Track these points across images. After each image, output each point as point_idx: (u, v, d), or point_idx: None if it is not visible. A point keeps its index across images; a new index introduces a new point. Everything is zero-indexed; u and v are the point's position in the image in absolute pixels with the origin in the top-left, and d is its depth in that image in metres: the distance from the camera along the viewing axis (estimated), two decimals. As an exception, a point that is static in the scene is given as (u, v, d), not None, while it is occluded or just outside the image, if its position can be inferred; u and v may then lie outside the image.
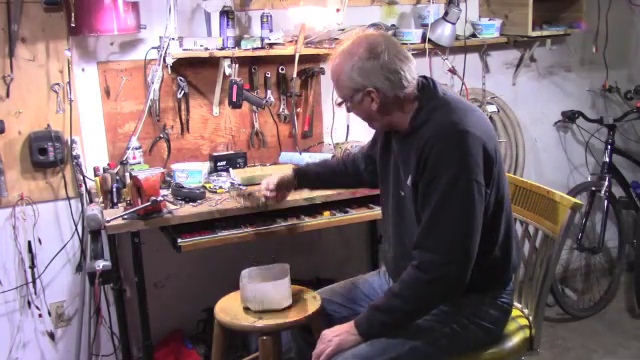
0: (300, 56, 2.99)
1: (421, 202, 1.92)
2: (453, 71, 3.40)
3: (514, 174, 3.55)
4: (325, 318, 2.16)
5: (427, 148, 1.87)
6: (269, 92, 3.15)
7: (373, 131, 2.29)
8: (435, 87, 1.99)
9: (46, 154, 2.77)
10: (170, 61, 2.86)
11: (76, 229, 2.92)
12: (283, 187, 2.39)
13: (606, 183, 3.60)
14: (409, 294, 1.90)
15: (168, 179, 2.87)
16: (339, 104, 2.04)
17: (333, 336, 1.94)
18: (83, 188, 2.87)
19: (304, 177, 2.42)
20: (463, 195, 1.84)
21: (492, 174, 1.90)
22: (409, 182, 1.96)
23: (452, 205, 1.85)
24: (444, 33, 3.23)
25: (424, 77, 2.01)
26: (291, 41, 3.04)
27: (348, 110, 2.04)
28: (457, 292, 1.90)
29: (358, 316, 1.98)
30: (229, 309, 2.13)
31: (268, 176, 2.43)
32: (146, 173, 2.60)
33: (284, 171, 2.46)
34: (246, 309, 2.11)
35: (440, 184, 1.85)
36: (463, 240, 1.85)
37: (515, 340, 2.12)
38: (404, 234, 2.03)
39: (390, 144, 2.09)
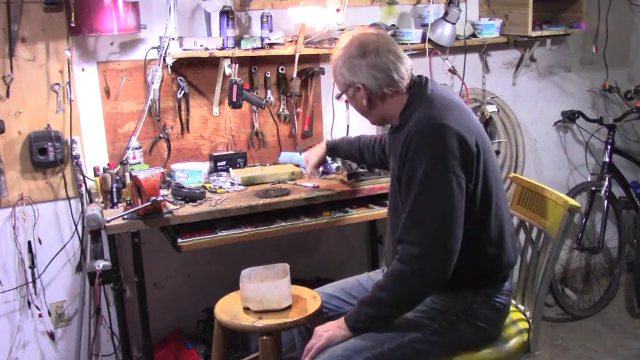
0: (300, 56, 2.99)
1: (405, 196, 1.95)
2: (453, 71, 3.40)
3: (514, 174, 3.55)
4: (327, 313, 2.18)
5: (407, 143, 1.92)
6: (269, 92, 3.15)
7: (374, 129, 2.30)
8: (425, 85, 2.02)
9: (46, 154, 2.77)
10: (170, 61, 2.87)
11: (76, 229, 2.92)
12: (320, 164, 2.74)
13: (606, 183, 3.60)
14: (393, 287, 1.93)
15: (168, 179, 2.87)
16: (337, 97, 2.13)
17: (323, 331, 1.99)
18: (83, 188, 2.87)
19: (334, 152, 2.70)
20: (440, 187, 1.85)
21: (474, 169, 1.90)
22: (397, 177, 2.00)
23: (430, 198, 1.87)
24: (444, 33, 3.23)
25: (419, 76, 2.05)
26: (291, 41, 3.04)
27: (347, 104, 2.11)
28: (439, 284, 1.91)
29: (348, 311, 2.02)
30: (229, 309, 2.13)
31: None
32: (146, 173, 2.60)
33: (320, 146, 2.71)
34: (246, 309, 2.11)
35: (417, 177, 1.87)
36: (442, 233, 1.86)
37: (512, 342, 2.11)
38: (398, 228, 2.04)
39: None
